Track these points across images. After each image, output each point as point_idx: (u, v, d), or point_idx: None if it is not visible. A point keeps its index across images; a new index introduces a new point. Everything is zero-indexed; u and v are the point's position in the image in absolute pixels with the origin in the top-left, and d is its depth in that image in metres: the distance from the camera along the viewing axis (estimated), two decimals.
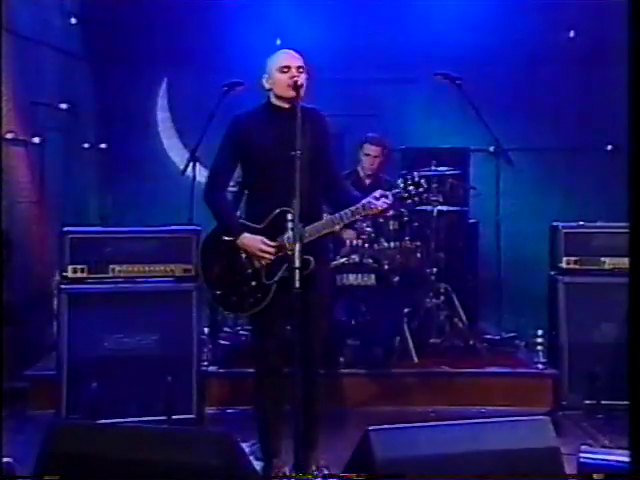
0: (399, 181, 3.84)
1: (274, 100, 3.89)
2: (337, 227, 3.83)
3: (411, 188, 3.80)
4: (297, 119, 3.62)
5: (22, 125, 5.91)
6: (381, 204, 3.77)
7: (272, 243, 3.79)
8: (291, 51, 3.90)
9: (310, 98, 3.88)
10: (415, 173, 3.87)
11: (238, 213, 4.25)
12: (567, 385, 5.28)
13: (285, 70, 3.80)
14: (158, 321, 4.94)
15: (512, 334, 6.12)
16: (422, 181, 3.82)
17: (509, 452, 2.92)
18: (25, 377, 5.18)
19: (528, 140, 7.24)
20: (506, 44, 7.10)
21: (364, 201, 3.78)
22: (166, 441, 2.93)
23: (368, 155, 6.15)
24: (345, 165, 6.47)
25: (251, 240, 3.81)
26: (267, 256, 3.79)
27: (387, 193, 3.79)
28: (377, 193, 3.80)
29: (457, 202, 6.16)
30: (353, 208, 3.78)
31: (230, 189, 4.33)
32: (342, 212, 3.79)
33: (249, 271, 3.84)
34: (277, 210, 3.76)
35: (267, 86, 3.89)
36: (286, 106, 3.83)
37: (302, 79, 3.79)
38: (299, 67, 3.82)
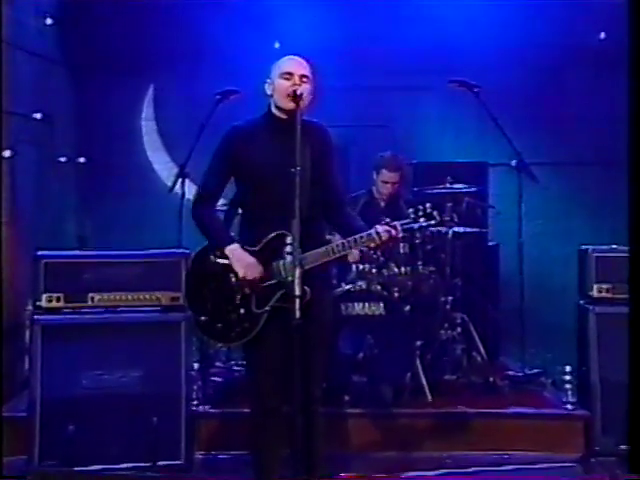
0: (410, 211, 3.88)
1: (274, 110, 3.93)
2: (337, 256, 3.83)
3: (422, 220, 3.83)
4: (296, 131, 3.65)
5: None
6: (386, 235, 3.77)
7: (261, 270, 3.80)
8: (298, 58, 3.94)
9: (314, 108, 3.92)
10: (428, 204, 3.90)
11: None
12: (600, 428, 5.25)
13: (287, 77, 3.85)
14: (142, 356, 4.94)
15: (537, 370, 6.11)
16: (435, 213, 3.86)
17: None
18: None
19: (554, 154, 7.26)
20: (528, 48, 7.12)
21: (370, 231, 3.80)
22: None
23: (386, 183, 6.11)
24: (350, 182, 6.49)
25: (241, 254, 3.83)
26: (250, 276, 3.79)
27: (395, 223, 3.81)
28: (385, 222, 3.81)
29: (475, 223, 6.18)
30: (357, 237, 3.80)
31: (220, 208, 4.34)
32: (344, 241, 3.82)
33: (238, 297, 3.86)
34: (274, 233, 3.79)
35: (268, 92, 3.94)
36: (286, 117, 3.86)
37: (304, 89, 3.82)
38: (302, 76, 3.86)
